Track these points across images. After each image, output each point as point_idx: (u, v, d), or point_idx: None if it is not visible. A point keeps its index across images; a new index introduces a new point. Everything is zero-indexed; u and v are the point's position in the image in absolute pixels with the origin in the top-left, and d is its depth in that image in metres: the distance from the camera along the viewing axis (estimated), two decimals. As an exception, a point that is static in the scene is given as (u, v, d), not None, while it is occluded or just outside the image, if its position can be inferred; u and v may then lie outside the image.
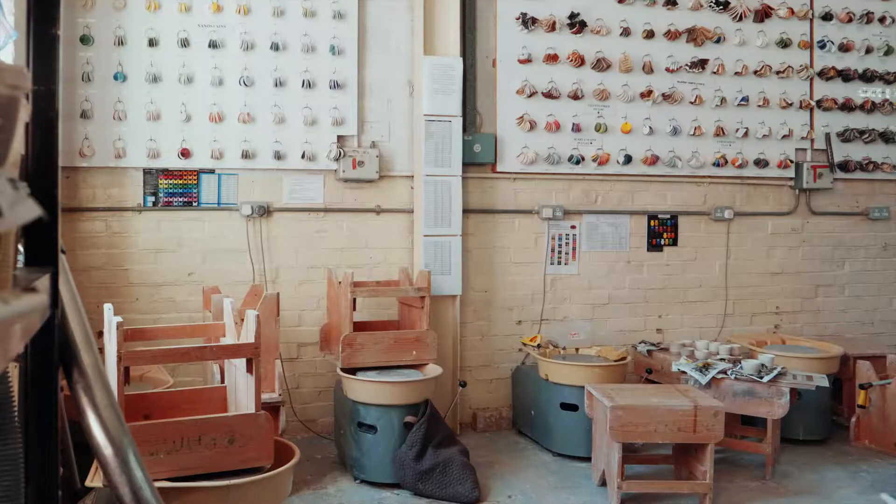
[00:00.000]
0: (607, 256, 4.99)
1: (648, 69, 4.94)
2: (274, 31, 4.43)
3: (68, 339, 1.16)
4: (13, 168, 0.85)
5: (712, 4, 5.06)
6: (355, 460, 3.81)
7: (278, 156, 4.43)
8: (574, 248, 4.91)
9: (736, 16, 5.08)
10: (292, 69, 4.46)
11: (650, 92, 4.94)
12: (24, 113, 0.85)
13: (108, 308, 2.93)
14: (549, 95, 4.80)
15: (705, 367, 4.10)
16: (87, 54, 4.21)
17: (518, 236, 4.84)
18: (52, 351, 1.13)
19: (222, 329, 3.26)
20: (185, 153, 4.32)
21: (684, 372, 4.12)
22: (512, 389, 4.80)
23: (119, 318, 2.72)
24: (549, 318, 4.89)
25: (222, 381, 3.25)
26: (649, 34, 4.93)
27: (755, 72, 5.12)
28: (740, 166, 5.11)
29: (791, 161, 5.23)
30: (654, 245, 5.06)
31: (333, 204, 4.57)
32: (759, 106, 5.14)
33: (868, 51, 5.31)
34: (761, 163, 5.15)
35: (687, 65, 5.01)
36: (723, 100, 5.06)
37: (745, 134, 5.11)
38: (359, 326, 4.09)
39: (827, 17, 5.24)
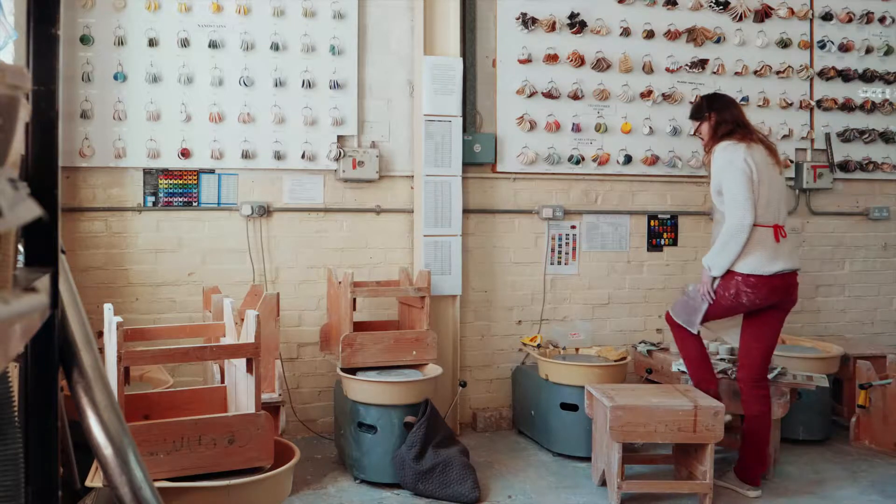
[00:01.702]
0: (607, 256, 4.99)
1: (648, 69, 4.94)
2: (274, 31, 4.43)
3: (68, 339, 1.16)
4: (13, 168, 0.85)
5: (712, 4, 5.06)
6: (355, 460, 3.81)
7: (278, 156, 4.44)
8: (574, 248, 4.91)
9: (736, 16, 5.08)
10: (292, 69, 4.46)
11: (650, 92, 4.94)
12: (24, 113, 0.85)
13: (108, 308, 2.93)
14: (549, 95, 4.80)
15: (705, 367, 4.10)
16: (87, 54, 4.21)
17: (518, 236, 4.84)
18: (52, 351, 1.13)
19: (222, 329, 3.26)
20: (185, 153, 4.32)
21: (684, 372, 4.12)
22: (512, 389, 4.80)
23: (119, 318, 2.72)
24: (549, 318, 4.89)
25: (222, 381, 3.25)
26: (649, 34, 4.93)
27: (755, 72, 5.12)
28: (740, 166, 5.10)
29: (791, 161, 5.23)
30: (654, 245, 5.06)
31: (333, 204, 4.57)
32: (759, 106, 5.14)
33: (868, 51, 5.31)
34: (761, 163, 5.14)
35: (687, 65, 5.01)
36: (723, 100, 5.06)
37: (745, 134, 5.10)
38: (359, 326, 4.09)
39: (827, 17, 5.24)
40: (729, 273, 3.54)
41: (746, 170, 3.49)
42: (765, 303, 3.58)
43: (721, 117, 3.68)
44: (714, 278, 3.60)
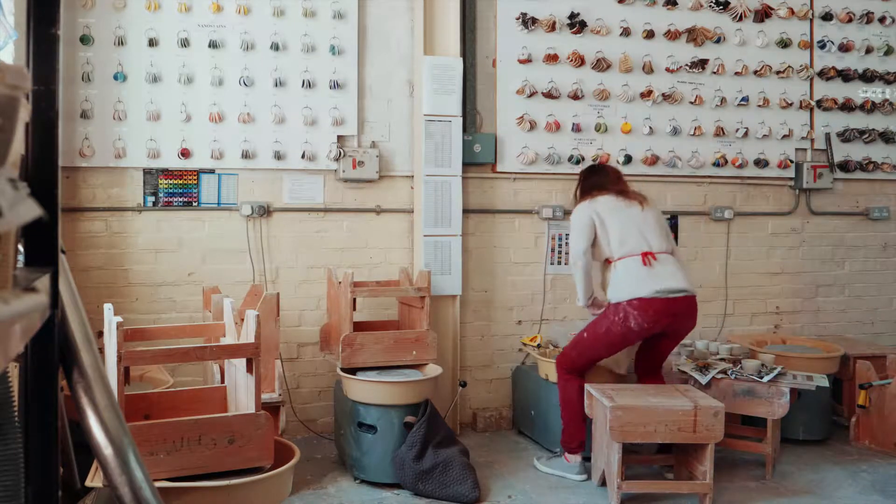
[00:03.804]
0: (607, 256, 4.98)
1: (648, 69, 4.94)
2: (274, 31, 4.43)
3: (68, 339, 1.16)
4: (13, 168, 0.84)
5: (712, 4, 5.06)
6: (355, 460, 3.81)
7: (278, 156, 4.43)
8: (574, 248, 4.90)
9: (736, 16, 5.08)
10: (292, 69, 4.46)
11: (650, 92, 4.94)
12: (24, 113, 0.85)
13: (108, 308, 2.93)
14: (549, 95, 4.80)
15: (705, 367, 4.11)
16: (87, 54, 4.21)
17: (518, 236, 4.84)
18: (52, 351, 1.13)
19: (222, 329, 3.26)
20: (185, 153, 4.32)
21: (684, 372, 4.12)
22: (512, 389, 4.80)
23: (119, 318, 2.72)
24: (549, 318, 4.89)
25: (222, 381, 3.25)
26: (649, 34, 4.93)
27: (755, 72, 5.12)
28: (740, 166, 5.11)
29: (791, 161, 5.23)
30: (654, 245, 5.05)
31: (333, 204, 4.57)
32: (759, 106, 5.14)
33: (868, 51, 5.31)
34: (761, 163, 5.15)
35: (687, 65, 5.01)
36: (723, 100, 5.06)
37: (745, 134, 5.11)
38: (359, 326, 4.09)
39: (827, 17, 5.24)
40: (616, 303, 3.77)
41: (585, 219, 3.86)
42: (654, 327, 3.71)
43: (581, 187, 4.06)
44: (589, 307, 4.02)
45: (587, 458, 3.93)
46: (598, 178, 4.02)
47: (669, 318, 3.70)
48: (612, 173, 4.07)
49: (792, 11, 5.16)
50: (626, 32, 4.90)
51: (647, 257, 3.75)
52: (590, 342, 3.86)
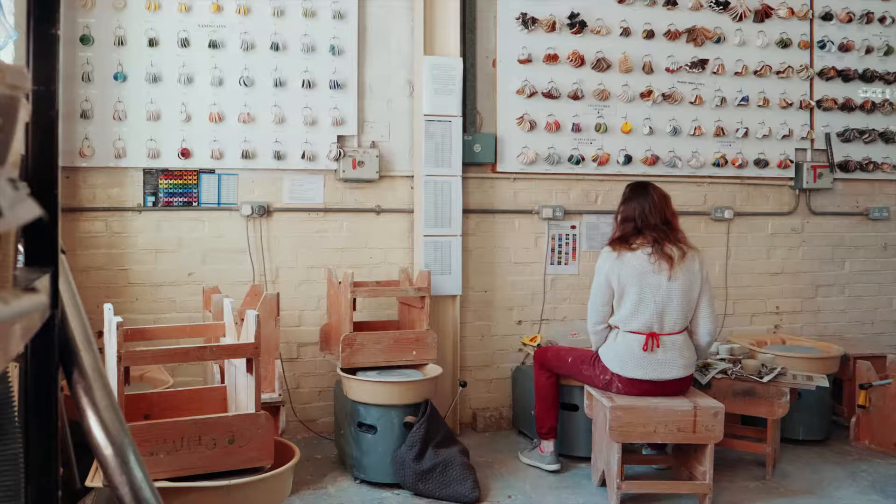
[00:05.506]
0: (607, 256, 4.98)
1: (648, 69, 4.94)
2: (274, 31, 4.43)
3: (68, 339, 1.16)
4: (13, 168, 0.84)
5: (712, 4, 5.05)
6: (355, 460, 3.81)
7: (278, 156, 4.43)
8: (574, 248, 4.91)
9: (736, 16, 5.08)
10: (292, 69, 4.46)
11: (650, 92, 4.94)
12: (24, 113, 0.85)
13: (108, 308, 2.93)
14: (549, 95, 4.80)
15: (705, 367, 4.10)
16: (87, 54, 4.21)
17: (518, 236, 4.84)
18: (52, 351, 1.13)
19: (222, 329, 3.26)
20: (185, 153, 4.32)
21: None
22: (512, 389, 4.80)
23: (119, 318, 2.72)
24: (549, 318, 4.89)
25: (222, 381, 3.25)
26: (649, 34, 4.93)
27: (755, 72, 5.12)
28: (740, 166, 5.11)
29: (791, 161, 5.23)
30: (654, 245, 5.05)
31: (333, 204, 4.57)
32: (759, 106, 5.14)
33: (868, 51, 5.31)
34: (761, 163, 5.15)
35: (687, 65, 5.01)
36: (723, 100, 5.06)
37: (745, 134, 5.11)
38: (359, 326, 4.09)
39: (827, 17, 5.23)
40: (605, 365, 3.64)
41: (605, 279, 3.61)
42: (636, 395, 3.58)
43: (625, 213, 3.66)
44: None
45: (564, 455, 4.02)
46: (638, 206, 3.60)
47: (655, 394, 3.57)
48: (657, 201, 3.62)
49: (792, 11, 5.16)
50: (626, 32, 4.90)
51: (651, 341, 3.51)
52: (571, 370, 3.85)
